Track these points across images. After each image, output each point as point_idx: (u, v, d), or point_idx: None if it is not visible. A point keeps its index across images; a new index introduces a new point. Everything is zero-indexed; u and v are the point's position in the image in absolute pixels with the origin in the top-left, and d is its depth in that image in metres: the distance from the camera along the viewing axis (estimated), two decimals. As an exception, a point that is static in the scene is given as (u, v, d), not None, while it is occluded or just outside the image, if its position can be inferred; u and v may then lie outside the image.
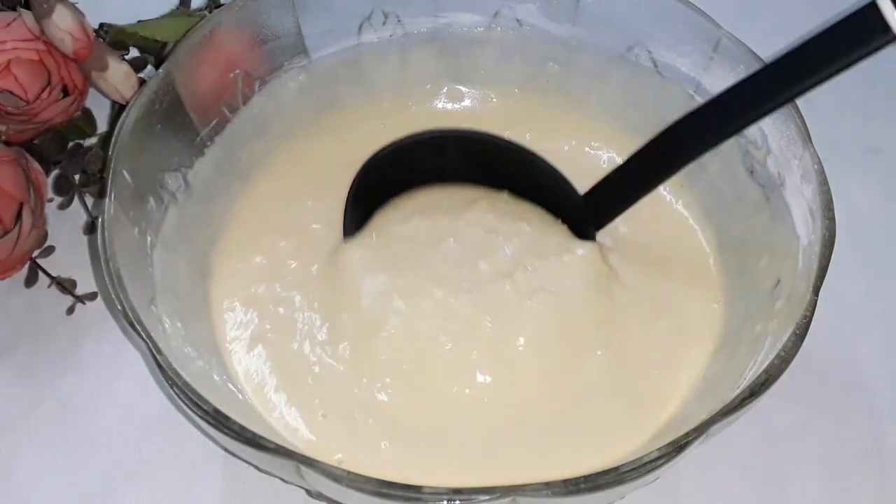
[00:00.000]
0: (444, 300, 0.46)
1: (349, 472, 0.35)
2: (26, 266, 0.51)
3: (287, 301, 0.48)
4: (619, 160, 0.53)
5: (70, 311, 0.51)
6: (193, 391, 0.37)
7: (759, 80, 0.42)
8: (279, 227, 0.50)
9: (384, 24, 0.52)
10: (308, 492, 0.44)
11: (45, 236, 0.52)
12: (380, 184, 0.51)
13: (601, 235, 0.50)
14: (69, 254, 0.53)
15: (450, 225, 0.49)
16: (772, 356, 0.38)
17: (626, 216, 0.51)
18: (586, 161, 0.53)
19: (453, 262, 0.47)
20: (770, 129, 0.45)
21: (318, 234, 0.50)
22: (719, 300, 0.48)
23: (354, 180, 0.50)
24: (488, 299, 0.46)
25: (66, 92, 0.51)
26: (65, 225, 0.53)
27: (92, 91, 0.54)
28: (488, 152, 0.51)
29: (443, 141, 0.51)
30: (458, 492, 0.34)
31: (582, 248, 0.48)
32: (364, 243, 0.49)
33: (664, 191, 0.52)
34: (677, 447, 0.35)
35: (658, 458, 0.35)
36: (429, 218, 0.49)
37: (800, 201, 0.43)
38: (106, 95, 0.53)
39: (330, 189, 0.52)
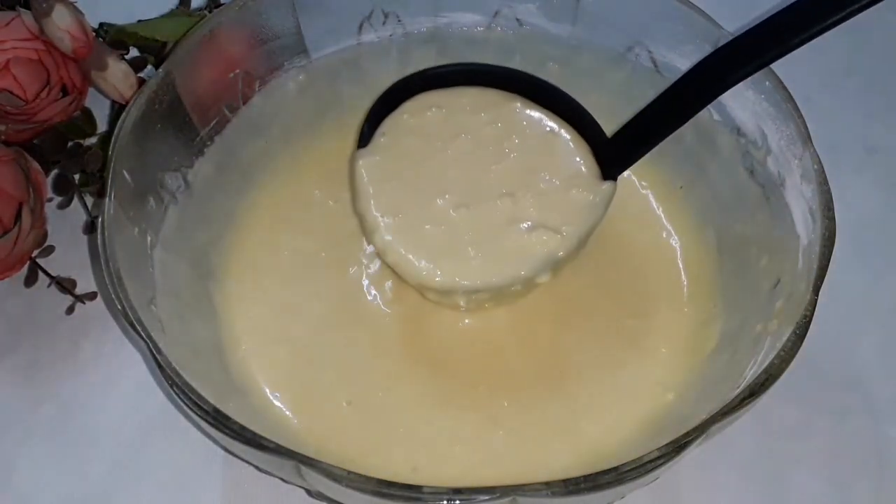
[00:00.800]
0: (443, 211, 0.45)
1: (349, 472, 0.35)
2: (26, 266, 0.51)
3: (291, 299, 0.48)
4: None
5: (70, 310, 0.51)
6: (193, 391, 0.37)
7: (780, 19, 0.40)
8: (281, 225, 0.51)
9: (384, 23, 0.52)
10: (308, 492, 0.44)
11: (44, 236, 0.52)
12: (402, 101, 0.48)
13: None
14: (69, 254, 0.53)
15: (468, 120, 0.47)
16: (772, 356, 0.38)
17: (627, 216, 0.51)
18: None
19: (464, 161, 0.46)
20: (770, 129, 0.45)
21: (321, 231, 0.51)
22: (716, 301, 0.48)
23: (376, 100, 0.48)
24: (484, 220, 0.45)
25: (65, 91, 0.51)
26: (65, 225, 0.53)
27: (92, 91, 0.54)
28: (523, 84, 0.49)
29: (476, 73, 0.49)
30: (458, 492, 0.34)
31: (597, 193, 0.46)
32: (372, 148, 0.47)
33: (664, 189, 0.52)
34: (677, 447, 0.35)
35: (658, 457, 0.35)
36: (447, 109, 0.48)
37: (800, 201, 0.43)
38: (105, 95, 0.53)
39: (331, 188, 0.52)
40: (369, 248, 0.49)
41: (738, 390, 0.38)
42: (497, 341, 0.48)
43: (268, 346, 0.47)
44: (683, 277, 0.50)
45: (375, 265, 0.50)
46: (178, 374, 0.37)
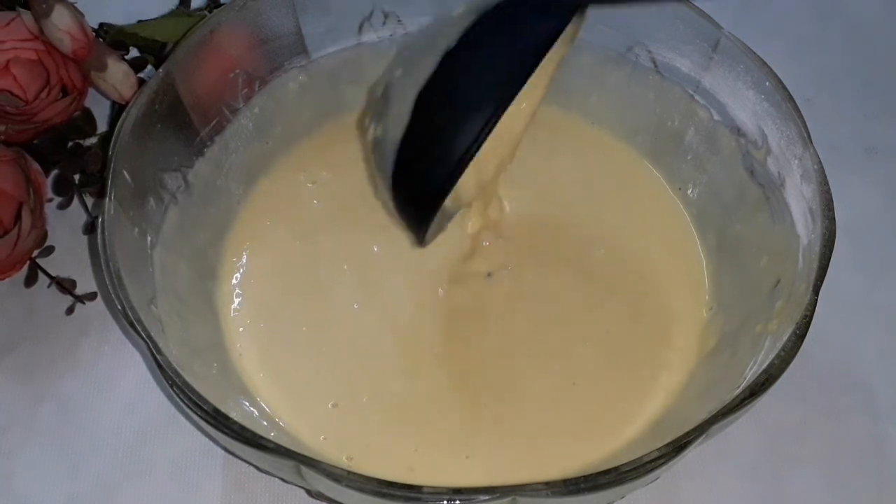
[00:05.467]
0: None
1: (349, 472, 0.35)
2: (26, 266, 0.51)
3: (285, 300, 0.48)
4: (618, 164, 0.53)
5: (70, 311, 0.51)
6: (193, 391, 0.37)
7: None
8: (282, 226, 0.51)
9: (384, 24, 0.52)
10: (308, 492, 0.44)
11: (44, 236, 0.52)
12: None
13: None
14: (69, 254, 0.53)
15: None
16: (772, 356, 0.38)
17: (627, 218, 0.51)
18: (586, 162, 0.53)
19: None
20: (770, 129, 0.45)
21: (321, 232, 0.51)
22: (716, 301, 0.48)
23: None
24: None
25: (65, 92, 0.51)
26: (65, 225, 0.53)
27: (92, 91, 0.54)
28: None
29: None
30: (457, 492, 0.34)
31: None
32: None
33: (664, 189, 0.52)
34: (677, 447, 0.35)
35: (658, 458, 0.35)
36: None
37: (800, 201, 0.43)
38: (105, 95, 0.53)
39: (331, 188, 0.52)
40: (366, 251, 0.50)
41: (738, 390, 0.38)
42: (497, 341, 0.47)
43: (266, 346, 0.47)
44: (683, 278, 0.50)
45: (371, 267, 0.49)
46: (178, 374, 0.37)
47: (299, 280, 0.49)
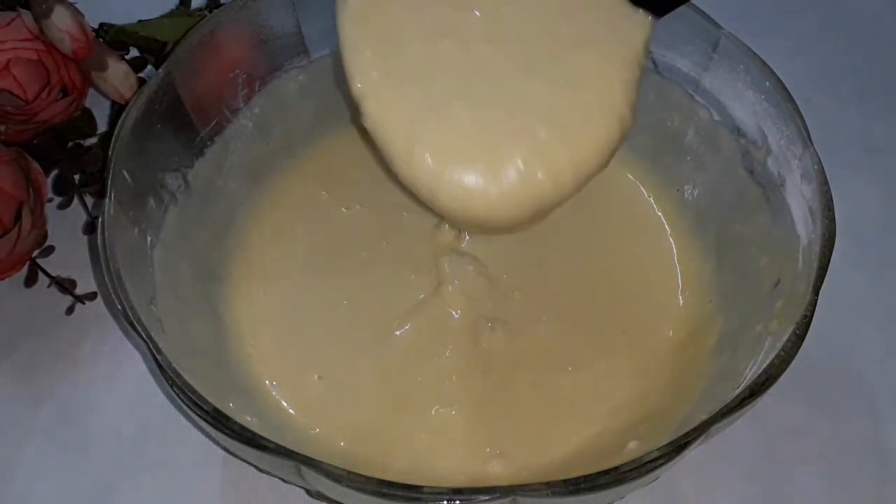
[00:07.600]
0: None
1: (349, 472, 0.35)
2: (26, 266, 0.51)
3: (291, 300, 0.48)
4: (618, 164, 0.53)
5: (70, 311, 0.51)
6: (193, 391, 0.37)
7: None
8: (281, 225, 0.51)
9: (384, 23, 0.52)
10: (308, 492, 0.44)
11: (44, 236, 0.52)
12: None
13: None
14: (69, 254, 0.53)
15: None
16: (772, 356, 0.38)
17: (627, 217, 0.51)
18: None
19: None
20: (770, 129, 0.45)
21: (321, 231, 0.51)
22: (717, 301, 0.48)
23: None
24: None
25: (65, 92, 0.51)
26: (65, 225, 0.53)
27: (92, 91, 0.54)
28: None
29: None
30: (458, 492, 0.34)
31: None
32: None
33: (664, 191, 0.52)
34: (677, 447, 0.35)
35: (658, 458, 0.35)
36: None
37: (800, 201, 0.43)
38: (105, 95, 0.53)
39: (331, 188, 0.52)
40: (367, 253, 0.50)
41: (738, 390, 0.38)
42: (510, 350, 0.47)
43: (262, 347, 0.47)
44: (683, 278, 0.50)
45: (377, 268, 0.49)
46: (178, 374, 0.37)
47: (299, 279, 0.49)
